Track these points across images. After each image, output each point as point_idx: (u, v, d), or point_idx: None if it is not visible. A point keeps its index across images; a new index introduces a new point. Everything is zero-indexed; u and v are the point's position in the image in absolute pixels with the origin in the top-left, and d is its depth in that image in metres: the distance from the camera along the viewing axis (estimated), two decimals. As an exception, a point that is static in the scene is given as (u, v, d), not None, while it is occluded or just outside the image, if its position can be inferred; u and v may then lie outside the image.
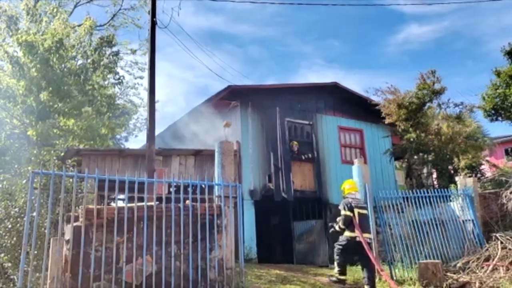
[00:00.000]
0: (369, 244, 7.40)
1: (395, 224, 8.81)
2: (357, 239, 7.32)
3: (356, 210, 7.52)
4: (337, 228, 7.68)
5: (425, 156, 14.10)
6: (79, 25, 16.84)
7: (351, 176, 9.26)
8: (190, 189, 6.31)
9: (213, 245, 6.17)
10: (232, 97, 13.38)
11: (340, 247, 7.56)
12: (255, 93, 13.87)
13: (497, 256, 8.26)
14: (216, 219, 6.35)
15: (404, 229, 8.84)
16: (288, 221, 14.46)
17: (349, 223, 7.48)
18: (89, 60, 15.99)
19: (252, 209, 12.56)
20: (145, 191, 5.96)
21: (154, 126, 11.10)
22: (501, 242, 8.69)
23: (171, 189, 6.39)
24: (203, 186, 6.66)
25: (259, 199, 12.81)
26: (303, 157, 14.05)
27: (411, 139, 13.70)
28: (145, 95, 22.03)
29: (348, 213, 7.50)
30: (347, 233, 7.48)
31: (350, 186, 8.04)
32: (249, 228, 12.05)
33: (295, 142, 14.05)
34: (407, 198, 9.22)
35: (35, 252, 6.04)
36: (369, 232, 7.67)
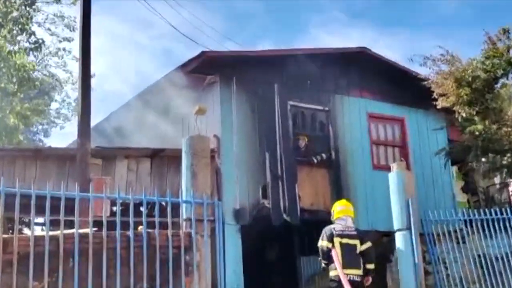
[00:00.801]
0: (357, 283, 7.88)
1: (453, 261, 8.88)
2: (349, 278, 7.81)
3: (337, 240, 8.11)
4: (323, 264, 8.30)
5: (498, 158, 14.20)
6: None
7: (387, 188, 9.31)
8: (144, 209, 6.30)
9: (179, 293, 6.18)
10: (207, 69, 13.37)
11: None
12: (242, 64, 13.87)
13: None
14: (184, 254, 6.36)
15: (467, 268, 8.91)
16: (292, 256, 14.48)
17: (328, 257, 8.10)
18: (-11, 13, 15.85)
19: (238, 238, 12.57)
20: (76, 212, 5.94)
21: (90, 114, 11.05)
22: None
23: (115, 209, 6.35)
24: (164, 204, 6.63)
25: (248, 224, 12.83)
26: (315, 160, 14.08)
27: (477, 133, 13.79)
28: (75, 66, 21.89)
29: (324, 243, 8.16)
30: (331, 273, 8.06)
31: (342, 208, 8.65)
32: (233, 266, 12.07)
33: (303, 137, 14.09)
34: (471, 221, 9.27)
35: None
36: (357, 267, 8.08)
